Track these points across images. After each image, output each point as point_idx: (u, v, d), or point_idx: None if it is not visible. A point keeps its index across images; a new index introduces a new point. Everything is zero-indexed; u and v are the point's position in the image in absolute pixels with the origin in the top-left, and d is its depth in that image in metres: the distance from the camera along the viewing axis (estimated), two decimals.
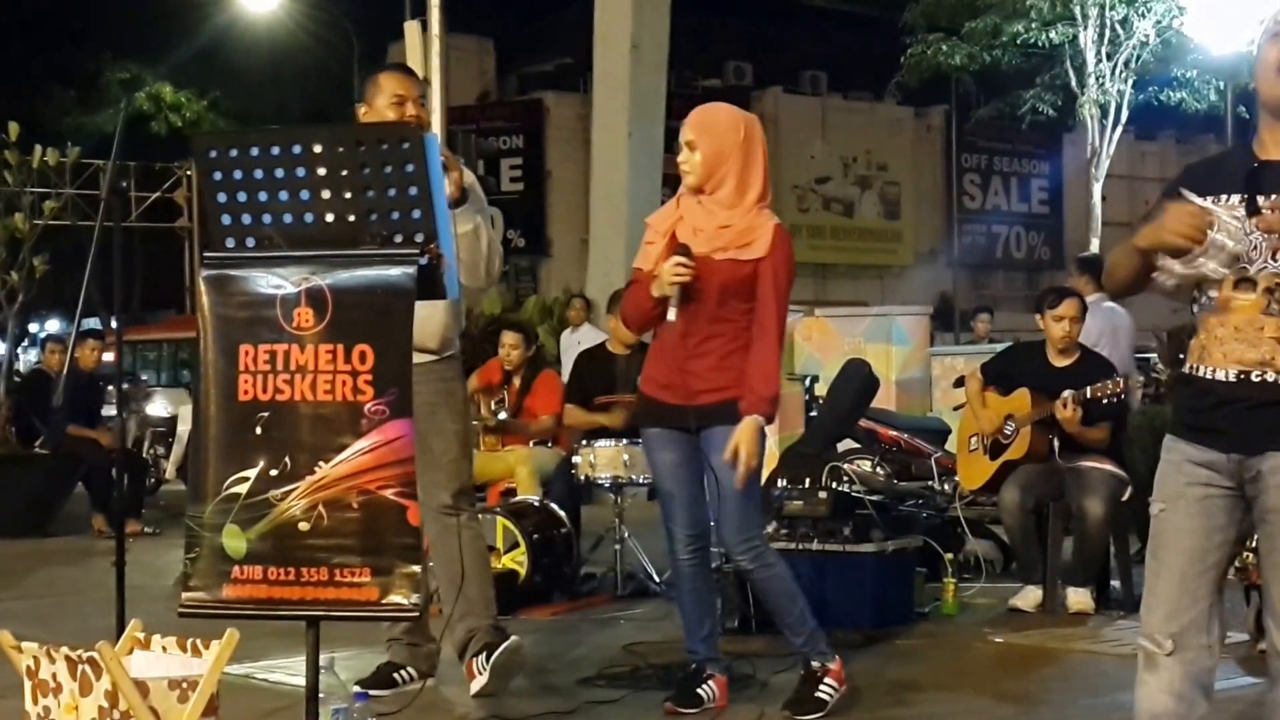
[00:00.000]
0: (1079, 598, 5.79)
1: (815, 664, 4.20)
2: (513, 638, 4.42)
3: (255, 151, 3.26)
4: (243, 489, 3.21)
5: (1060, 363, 6.01)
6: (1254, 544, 2.94)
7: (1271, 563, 2.76)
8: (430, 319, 4.31)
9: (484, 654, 4.38)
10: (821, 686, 4.18)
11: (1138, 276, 2.82)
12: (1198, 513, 2.78)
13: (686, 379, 4.10)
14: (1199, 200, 2.71)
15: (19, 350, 15.00)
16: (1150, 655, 2.80)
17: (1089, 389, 5.71)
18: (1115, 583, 6.08)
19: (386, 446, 3.16)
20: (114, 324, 4.56)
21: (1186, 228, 2.65)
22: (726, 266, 4.09)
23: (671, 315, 4.06)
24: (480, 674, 4.38)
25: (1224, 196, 2.74)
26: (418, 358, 4.22)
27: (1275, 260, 2.70)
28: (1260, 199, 2.69)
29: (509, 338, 7.46)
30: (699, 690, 4.22)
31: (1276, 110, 2.74)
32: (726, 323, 4.11)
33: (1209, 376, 2.77)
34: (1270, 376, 2.70)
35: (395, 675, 4.45)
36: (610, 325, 7.11)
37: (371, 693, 4.21)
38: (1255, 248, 2.71)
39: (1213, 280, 2.75)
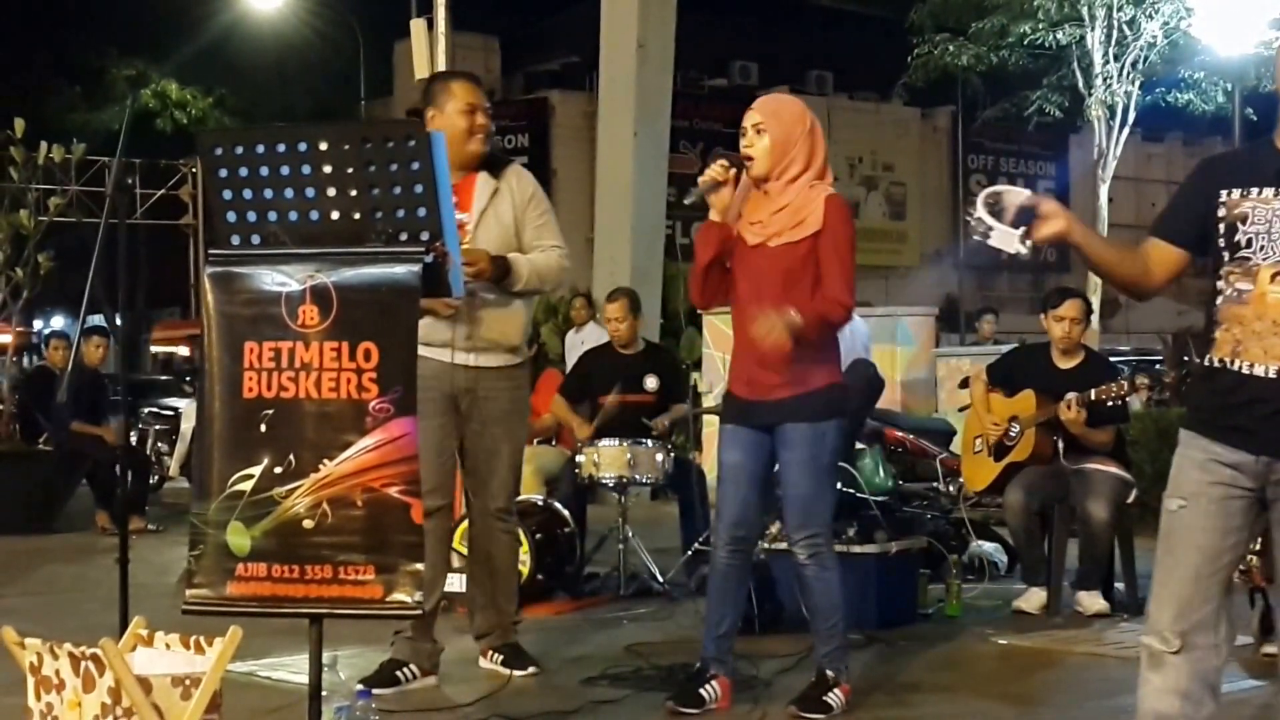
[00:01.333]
0: (1093, 600, 5.78)
1: (830, 673, 4.20)
2: (531, 669, 4.67)
3: (260, 148, 3.26)
4: (247, 486, 3.21)
5: (1065, 364, 5.99)
6: (1257, 546, 2.92)
7: None
8: (514, 317, 4.51)
9: (502, 655, 4.69)
10: (831, 694, 4.18)
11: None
12: (1217, 512, 2.74)
13: (763, 374, 4.12)
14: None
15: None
16: (1155, 654, 2.76)
17: (1093, 391, 5.69)
18: (1119, 585, 6.07)
19: (391, 444, 3.16)
20: (119, 321, 4.57)
21: None
22: (782, 252, 4.10)
23: (714, 216, 4.14)
24: (490, 661, 4.71)
25: (1255, 190, 2.71)
26: (507, 358, 4.48)
27: None
28: None
29: None
30: (701, 690, 4.22)
31: None
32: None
33: (1245, 371, 2.71)
34: None
35: (398, 673, 4.47)
36: (607, 328, 7.14)
37: (374, 691, 4.23)
38: (1270, 233, 2.67)
39: (1240, 273, 2.69)
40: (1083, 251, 2.81)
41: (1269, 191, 2.69)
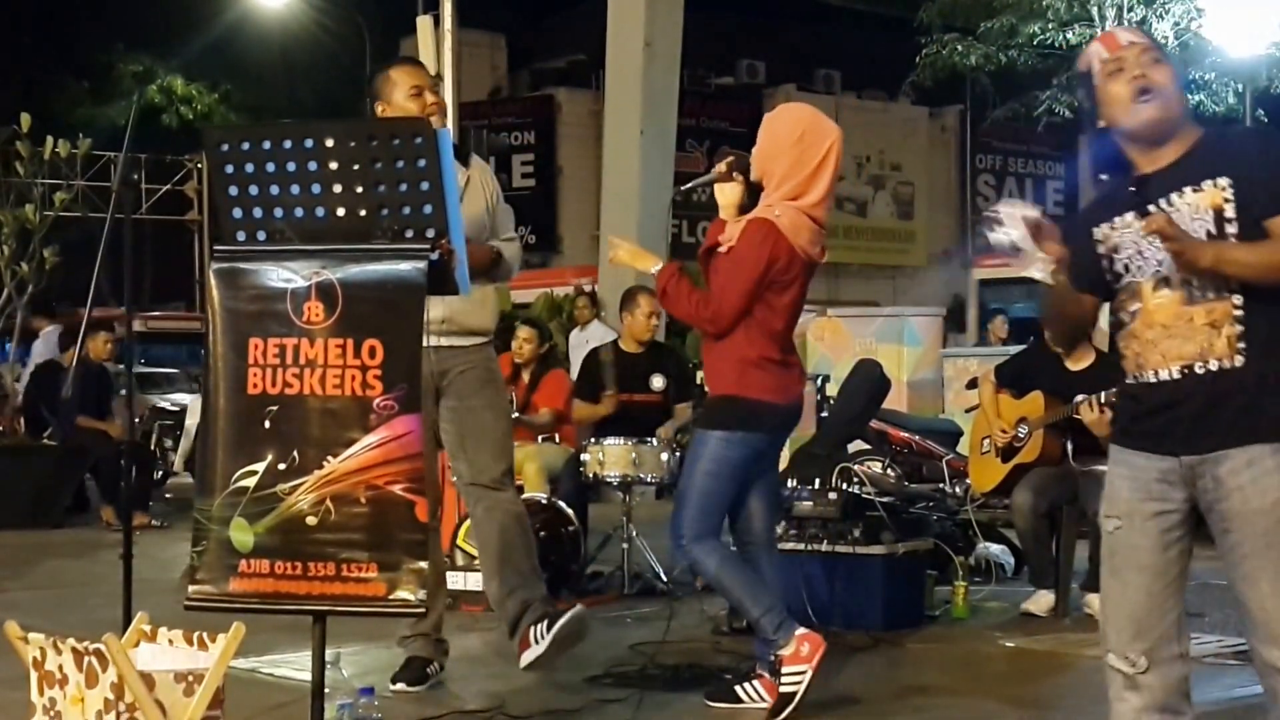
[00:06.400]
0: None
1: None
2: (578, 607, 4.45)
3: (267, 145, 3.25)
4: (251, 482, 3.20)
5: (1075, 366, 5.97)
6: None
7: (1242, 573, 2.67)
8: (486, 301, 4.54)
9: (544, 623, 4.35)
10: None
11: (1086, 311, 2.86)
12: (1153, 529, 2.72)
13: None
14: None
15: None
16: (1127, 677, 2.74)
17: (1103, 394, 5.67)
18: None
19: (395, 442, 3.14)
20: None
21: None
22: (717, 259, 4.18)
23: (722, 214, 4.24)
24: (537, 643, 4.34)
25: (1117, 218, 2.76)
26: (474, 339, 4.49)
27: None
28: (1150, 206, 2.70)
29: (524, 332, 7.51)
30: (738, 688, 4.22)
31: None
32: None
33: (1152, 380, 2.72)
34: (1213, 366, 2.66)
35: (428, 670, 4.45)
36: (625, 322, 7.11)
37: (406, 687, 4.25)
38: (1141, 252, 2.72)
39: (1128, 297, 2.74)
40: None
41: (1129, 215, 2.74)
